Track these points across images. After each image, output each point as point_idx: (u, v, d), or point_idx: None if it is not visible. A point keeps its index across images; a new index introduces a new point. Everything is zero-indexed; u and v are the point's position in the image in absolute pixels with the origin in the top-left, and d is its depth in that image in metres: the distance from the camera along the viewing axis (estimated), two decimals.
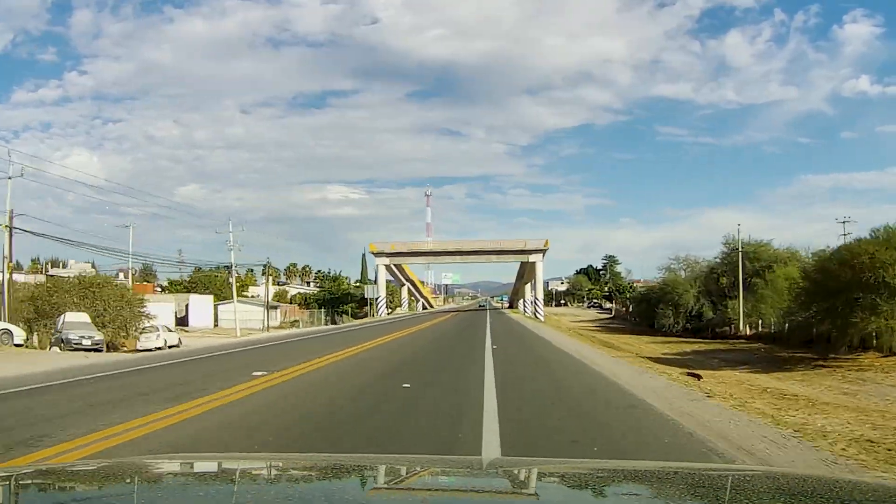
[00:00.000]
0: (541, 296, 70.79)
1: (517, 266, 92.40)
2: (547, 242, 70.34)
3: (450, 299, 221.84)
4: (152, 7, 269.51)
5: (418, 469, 2.38)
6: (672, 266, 72.72)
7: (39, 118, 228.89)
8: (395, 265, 78.27)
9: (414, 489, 1.99)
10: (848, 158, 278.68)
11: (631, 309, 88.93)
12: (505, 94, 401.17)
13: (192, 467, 2.39)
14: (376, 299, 71.97)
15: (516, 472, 2.23)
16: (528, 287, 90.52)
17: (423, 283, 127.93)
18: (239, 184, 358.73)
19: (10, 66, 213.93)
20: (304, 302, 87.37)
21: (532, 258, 70.06)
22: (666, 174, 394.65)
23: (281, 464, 2.44)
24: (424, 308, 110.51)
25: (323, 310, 76.62)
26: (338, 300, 79.25)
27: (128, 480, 1.95)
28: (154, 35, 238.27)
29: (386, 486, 1.98)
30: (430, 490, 1.96)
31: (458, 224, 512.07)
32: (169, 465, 2.36)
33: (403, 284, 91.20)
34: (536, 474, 2.14)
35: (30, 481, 1.87)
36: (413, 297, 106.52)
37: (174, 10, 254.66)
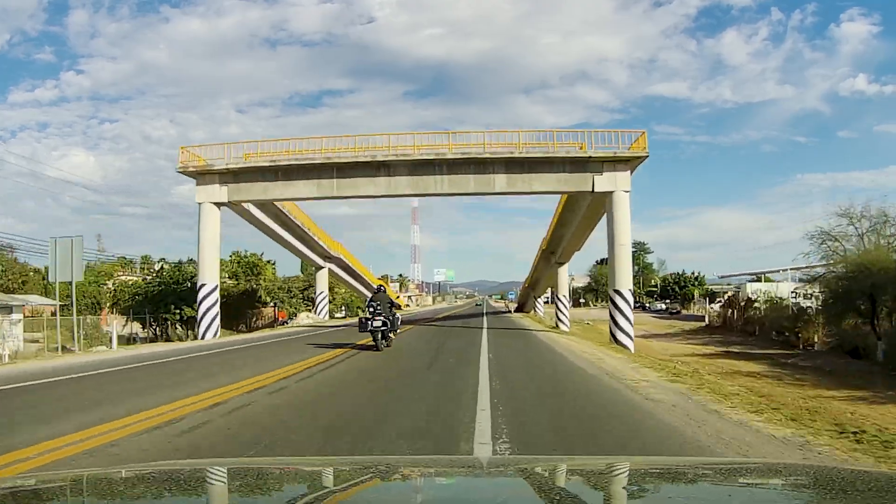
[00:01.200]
0: (628, 285, 26.10)
1: (541, 241, 48.25)
2: (643, 140, 25.88)
3: (441, 299, 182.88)
4: (149, 7, 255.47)
5: (418, 469, 2.25)
6: (837, 231, 30.10)
7: (36, 118, 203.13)
8: (272, 211, 33.82)
9: (414, 490, 1.91)
10: (846, 157, 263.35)
11: (743, 314, 48.00)
12: (501, 93, 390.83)
13: (184, 475, 2.08)
14: (197, 293, 27.92)
15: (519, 470, 2.15)
16: (562, 274, 45.82)
17: (380, 275, 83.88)
18: None
19: (7, 67, 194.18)
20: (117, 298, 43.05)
21: (602, 182, 25.57)
22: (663, 173, 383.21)
23: (272, 467, 2.36)
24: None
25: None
26: (169, 296, 35.10)
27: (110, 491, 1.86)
28: (151, 35, 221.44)
29: (384, 487, 1.92)
30: (431, 490, 1.91)
31: (455, 223, 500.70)
32: (157, 474, 2.12)
33: (321, 268, 46.60)
34: (539, 472, 2.10)
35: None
36: (349, 289, 61.39)
37: (171, 10, 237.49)
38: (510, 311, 68.88)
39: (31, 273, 46.32)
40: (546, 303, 71.59)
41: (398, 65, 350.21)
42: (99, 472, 2.39)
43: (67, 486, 1.89)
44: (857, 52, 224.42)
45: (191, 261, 47.70)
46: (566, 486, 1.93)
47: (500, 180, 26.24)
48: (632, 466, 2.21)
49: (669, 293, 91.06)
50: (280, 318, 45.83)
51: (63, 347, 20.03)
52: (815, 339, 36.74)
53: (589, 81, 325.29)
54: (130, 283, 44.92)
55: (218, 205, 27.90)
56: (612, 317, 25.77)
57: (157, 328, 36.85)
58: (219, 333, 27.99)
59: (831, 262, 31.45)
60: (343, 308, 60.04)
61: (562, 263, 43.92)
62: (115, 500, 1.74)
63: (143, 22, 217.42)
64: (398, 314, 16.02)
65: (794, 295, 48.16)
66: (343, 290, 60.45)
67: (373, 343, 14.82)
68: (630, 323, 25.32)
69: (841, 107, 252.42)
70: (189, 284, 34.14)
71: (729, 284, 76.83)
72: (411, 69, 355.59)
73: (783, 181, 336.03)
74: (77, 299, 23.79)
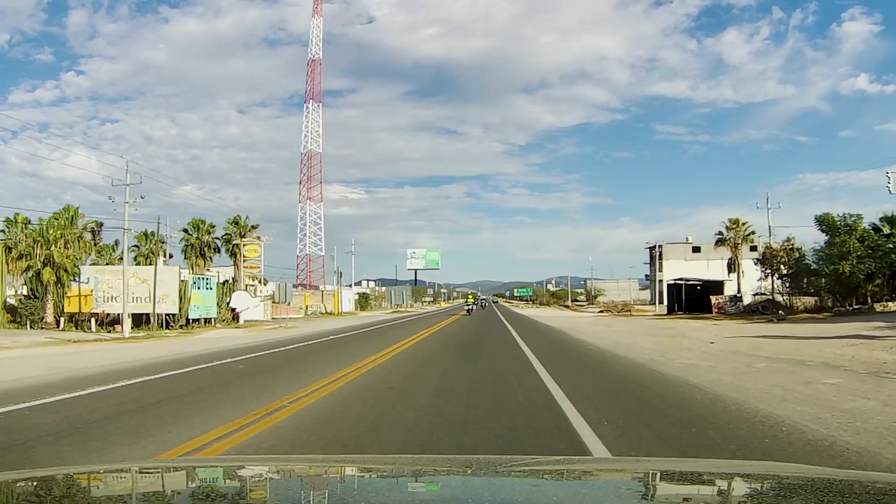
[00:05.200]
0: None
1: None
2: None
3: (402, 304, 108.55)
4: (147, 7, 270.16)
5: (420, 469, 2.25)
6: None
7: (37, 119, 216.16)
8: None
9: (415, 489, 1.93)
10: (846, 157, 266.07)
11: None
12: (501, 93, 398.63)
13: (197, 472, 2.20)
14: None
15: (520, 470, 2.13)
16: None
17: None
18: (235, 183, 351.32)
19: (7, 67, 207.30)
20: None
21: None
22: (664, 172, 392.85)
23: (284, 466, 2.37)
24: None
25: None
26: None
27: (128, 487, 1.90)
28: (149, 35, 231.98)
29: (385, 486, 1.95)
30: (431, 490, 1.92)
31: (455, 223, 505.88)
32: (178, 471, 2.24)
33: None
34: (546, 473, 2.09)
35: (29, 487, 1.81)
36: None
37: (169, 10, 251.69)
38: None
39: None
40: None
41: (398, 64, 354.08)
42: (94, 470, 2.42)
43: (66, 483, 1.86)
44: (858, 52, 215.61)
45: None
46: (567, 486, 1.92)
47: None
48: (632, 468, 2.27)
49: None
50: None
51: None
52: None
53: (589, 81, 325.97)
54: None
55: None
56: None
57: None
58: None
59: None
60: None
61: None
62: (106, 498, 1.76)
63: (142, 22, 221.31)
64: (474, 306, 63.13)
65: None
66: None
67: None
68: None
69: (842, 106, 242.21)
70: None
71: None
72: (411, 69, 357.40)
73: (784, 181, 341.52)
74: None
